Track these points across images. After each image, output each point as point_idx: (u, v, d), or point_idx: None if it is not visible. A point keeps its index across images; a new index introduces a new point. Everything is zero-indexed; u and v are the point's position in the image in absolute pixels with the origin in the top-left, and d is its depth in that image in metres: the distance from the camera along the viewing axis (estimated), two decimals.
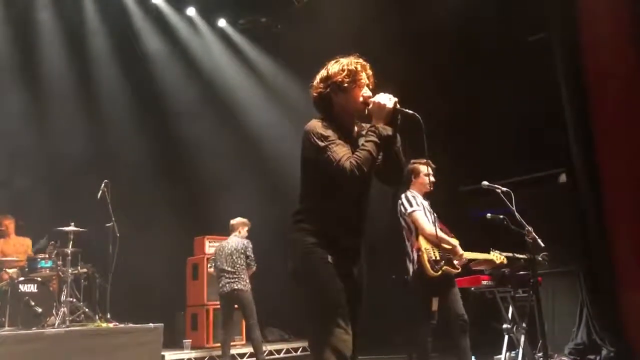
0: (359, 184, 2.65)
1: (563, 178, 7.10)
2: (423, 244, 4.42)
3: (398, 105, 2.64)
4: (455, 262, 4.56)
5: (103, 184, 7.15)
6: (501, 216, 4.91)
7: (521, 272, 5.66)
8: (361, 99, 2.71)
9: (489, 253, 4.96)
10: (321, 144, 2.59)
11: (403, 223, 4.63)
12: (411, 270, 4.54)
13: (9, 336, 5.58)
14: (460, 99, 7.59)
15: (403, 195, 4.67)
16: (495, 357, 6.11)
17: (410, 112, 2.64)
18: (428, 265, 4.36)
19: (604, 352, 6.17)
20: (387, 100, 2.63)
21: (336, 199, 2.64)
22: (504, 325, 6.01)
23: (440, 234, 4.51)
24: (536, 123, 7.06)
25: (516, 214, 4.57)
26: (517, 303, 6.01)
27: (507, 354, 6.03)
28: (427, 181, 4.69)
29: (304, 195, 2.74)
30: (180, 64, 9.24)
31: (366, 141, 2.59)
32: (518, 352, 5.90)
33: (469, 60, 7.52)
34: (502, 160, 7.07)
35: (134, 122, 8.73)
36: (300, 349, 7.81)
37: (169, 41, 9.16)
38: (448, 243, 4.52)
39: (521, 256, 4.99)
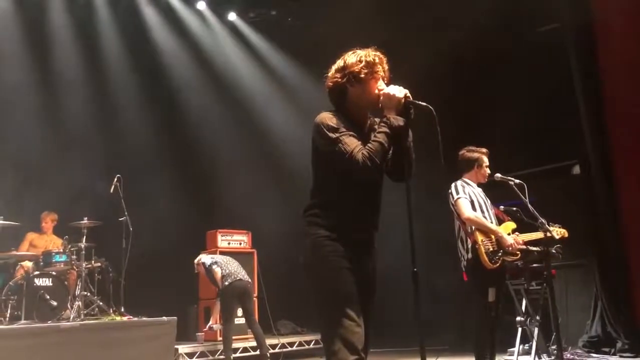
0: (372, 176, 2.63)
1: (577, 169, 7.05)
2: (479, 236, 4.39)
3: (410, 97, 2.62)
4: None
5: (115, 179, 7.20)
6: (514, 208, 4.88)
7: (535, 265, 5.63)
8: (376, 91, 2.69)
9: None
10: (332, 135, 2.57)
11: (454, 210, 4.61)
12: (465, 258, 4.52)
13: (25, 329, 5.65)
14: (472, 91, 7.54)
15: (453, 184, 4.64)
16: (509, 349, 6.09)
17: (423, 104, 2.61)
18: (486, 258, 4.33)
19: (619, 344, 6.14)
20: (398, 91, 2.61)
21: (348, 192, 2.62)
22: (518, 318, 5.98)
23: (481, 220, 4.45)
24: (550, 114, 6.99)
25: (529, 206, 4.53)
26: (530, 296, 5.99)
27: (521, 346, 6.00)
28: (488, 172, 4.70)
29: (315, 188, 2.73)
30: (191, 58, 9.23)
31: (378, 132, 2.56)
32: (532, 344, 5.88)
33: (481, 51, 7.46)
34: (515, 152, 7.02)
35: (146, 118, 8.75)
36: (313, 341, 7.82)
37: (179, 35, 9.16)
38: (491, 231, 4.46)
39: (535, 248, 4.95)
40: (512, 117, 7.24)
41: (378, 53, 2.73)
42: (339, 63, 2.75)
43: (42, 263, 6.64)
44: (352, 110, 2.73)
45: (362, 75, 2.67)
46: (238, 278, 6.70)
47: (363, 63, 2.67)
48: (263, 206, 8.74)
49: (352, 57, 2.72)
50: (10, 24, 7.85)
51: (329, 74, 2.77)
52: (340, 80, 2.71)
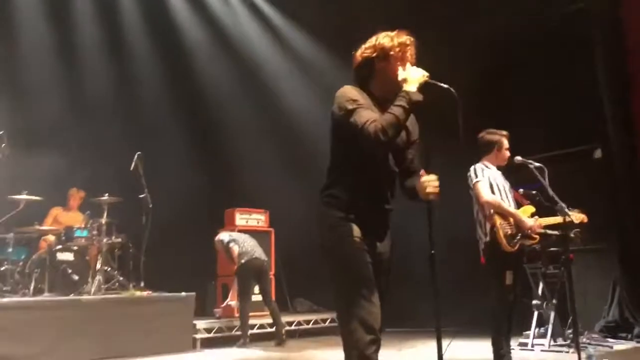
0: (384, 149, 2.62)
1: (598, 153, 6.95)
2: (497, 219, 4.38)
3: (429, 80, 2.60)
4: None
5: (136, 156, 7.27)
6: (534, 192, 4.84)
7: (553, 249, 5.60)
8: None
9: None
10: (349, 107, 2.56)
11: (472, 194, 4.58)
12: (483, 241, 4.51)
13: (48, 302, 5.80)
14: (493, 73, 7.44)
15: (472, 167, 4.59)
16: (525, 332, 6.09)
17: (445, 85, 2.59)
18: (505, 241, 4.30)
19: (636, 330, 6.11)
20: (419, 72, 2.60)
21: (364, 170, 2.62)
22: (534, 302, 5.97)
23: (500, 203, 4.41)
24: (572, 97, 6.88)
25: (549, 189, 4.49)
26: (547, 279, 5.96)
27: (537, 329, 6.00)
28: (507, 155, 4.66)
29: (332, 167, 2.72)
30: (211, 36, 9.23)
31: (394, 105, 2.52)
32: (547, 328, 5.88)
33: (502, 33, 7.34)
34: (536, 134, 6.93)
35: (167, 96, 8.83)
36: (329, 319, 7.91)
37: (200, 12, 9.15)
38: (510, 214, 4.44)
39: (553, 232, 4.91)
40: (533, 100, 7.14)
41: (409, 37, 2.74)
42: (371, 40, 2.76)
43: (64, 238, 6.77)
44: (376, 88, 2.73)
45: (392, 53, 2.67)
46: (254, 256, 6.77)
47: (395, 42, 2.69)
48: (281, 185, 8.78)
49: (385, 36, 2.73)
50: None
51: (360, 50, 2.78)
52: (369, 55, 2.72)
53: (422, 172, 2.62)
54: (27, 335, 5.37)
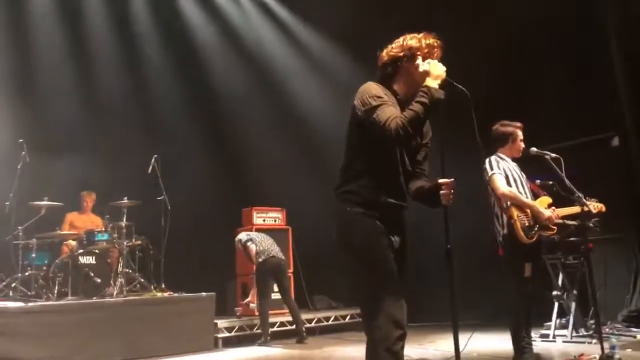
0: (405, 146, 2.65)
1: (616, 142, 6.88)
2: (515, 211, 4.37)
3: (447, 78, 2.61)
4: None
5: (153, 159, 7.35)
6: (550, 182, 4.81)
7: (571, 239, 5.56)
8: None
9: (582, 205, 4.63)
10: (373, 102, 2.57)
11: (488, 186, 4.56)
12: (500, 234, 4.51)
13: (72, 305, 5.90)
14: (506, 63, 7.37)
15: (487, 160, 4.59)
16: (546, 324, 6.06)
17: (460, 86, 2.61)
18: (522, 233, 4.30)
19: None
20: (442, 68, 2.62)
21: (383, 166, 2.64)
22: (554, 292, 5.94)
23: (517, 195, 4.40)
24: (588, 85, 6.81)
25: (566, 180, 4.46)
26: (567, 270, 5.92)
27: (558, 321, 5.97)
28: (522, 147, 4.64)
29: (348, 164, 2.72)
30: (222, 36, 9.26)
31: (415, 101, 2.52)
32: (569, 319, 5.84)
33: (516, 21, 7.27)
34: (553, 124, 6.87)
35: (182, 99, 8.90)
36: (349, 316, 7.92)
37: (210, 12, 9.21)
38: (527, 205, 4.43)
39: (572, 222, 4.88)
40: (549, 89, 7.08)
41: (437, 39, 2.77)
42: (398, 40, 2.79)
43: (85, 242, 6.86)
44: (399, 88, 2.75)
45: (419, 54, 2.70)
46: (272, 255, 6.82)
47: (422, 44, 2.72)
48: (297, 183, 8.80)
49: (412, 37, 2.77)
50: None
51: (387, 49, 2.80)
52: (396, 54, 2.74)
53: (444, 180, 2.60)
54: (52, 338, 5.46)
